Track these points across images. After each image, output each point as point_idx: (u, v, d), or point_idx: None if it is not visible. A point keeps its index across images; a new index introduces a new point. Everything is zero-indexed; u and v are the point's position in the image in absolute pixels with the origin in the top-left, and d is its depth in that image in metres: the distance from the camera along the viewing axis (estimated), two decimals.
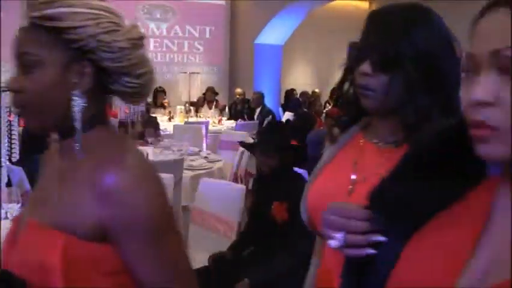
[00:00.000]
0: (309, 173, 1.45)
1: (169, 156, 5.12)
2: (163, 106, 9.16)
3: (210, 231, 3.35)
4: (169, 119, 8.60)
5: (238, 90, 9.98)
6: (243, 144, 3.98)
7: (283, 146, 3.04)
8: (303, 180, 3.14)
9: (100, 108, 1.11)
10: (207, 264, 3.01)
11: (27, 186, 3.82)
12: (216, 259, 2.98)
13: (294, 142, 3.47)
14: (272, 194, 2.93)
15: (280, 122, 3.35)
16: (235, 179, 4.72)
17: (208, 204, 3.42)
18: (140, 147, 5.06)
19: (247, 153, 5.27)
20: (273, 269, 2.79)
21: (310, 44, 13.09)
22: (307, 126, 6.05)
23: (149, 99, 9.11)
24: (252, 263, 2.92)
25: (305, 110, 8.04)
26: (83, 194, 1.02)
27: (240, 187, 3.41)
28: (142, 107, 5.43)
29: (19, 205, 3.08)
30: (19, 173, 3.77)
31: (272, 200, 2.89)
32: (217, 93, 9.93)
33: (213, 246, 3.18)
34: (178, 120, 8.53)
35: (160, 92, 9.24)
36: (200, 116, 9.13)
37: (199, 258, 3.17)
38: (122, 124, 5.51)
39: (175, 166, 4.39)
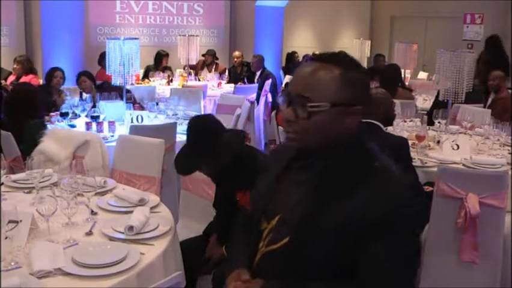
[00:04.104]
0: None
1: (163, 120, 5.04)
2: (164, 69, 9.00)
3: (200, 197, 3.26)
4: (168, 83, 8.47)
5: (236, 53, 9.78)
6: None
7: (212, 158, 2.58)
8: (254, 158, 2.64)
9: None
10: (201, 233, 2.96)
11: (17, 151, 3.75)
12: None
13: None
14: (232, 184, 2.56)
15: (202, 129, 2.69)
16: None
17: None
18: (136, 112, 4.98)
19: (243, 117, 5.16)
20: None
21: (313, 6, 12.82)
22: None
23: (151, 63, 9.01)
24: None
25: None
26: None
27: None
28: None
29: (4, 171, 3.01)
30: (7, 138, 3.69)
31: (234, 191, 2.52)
32: (217, 58, 9.76)
33: (204, 213, 3.10)
34: (178, 83, 8.40)
35: (165, 56, 9.10)
36: (199, 80, 9.00)
37: (193, 226, 3.11)
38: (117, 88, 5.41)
39: (168, 130, 4.31)
